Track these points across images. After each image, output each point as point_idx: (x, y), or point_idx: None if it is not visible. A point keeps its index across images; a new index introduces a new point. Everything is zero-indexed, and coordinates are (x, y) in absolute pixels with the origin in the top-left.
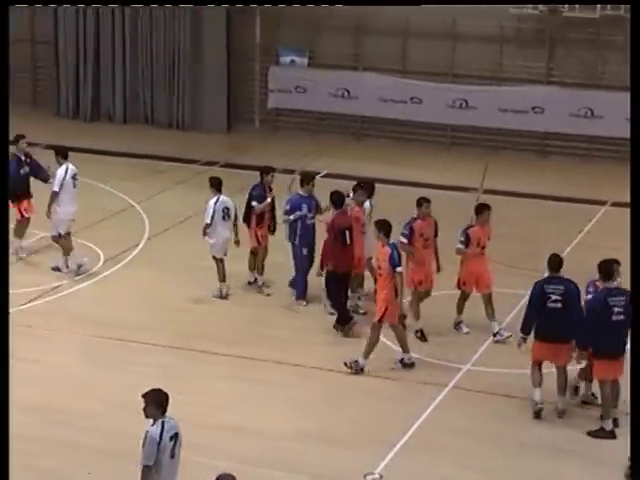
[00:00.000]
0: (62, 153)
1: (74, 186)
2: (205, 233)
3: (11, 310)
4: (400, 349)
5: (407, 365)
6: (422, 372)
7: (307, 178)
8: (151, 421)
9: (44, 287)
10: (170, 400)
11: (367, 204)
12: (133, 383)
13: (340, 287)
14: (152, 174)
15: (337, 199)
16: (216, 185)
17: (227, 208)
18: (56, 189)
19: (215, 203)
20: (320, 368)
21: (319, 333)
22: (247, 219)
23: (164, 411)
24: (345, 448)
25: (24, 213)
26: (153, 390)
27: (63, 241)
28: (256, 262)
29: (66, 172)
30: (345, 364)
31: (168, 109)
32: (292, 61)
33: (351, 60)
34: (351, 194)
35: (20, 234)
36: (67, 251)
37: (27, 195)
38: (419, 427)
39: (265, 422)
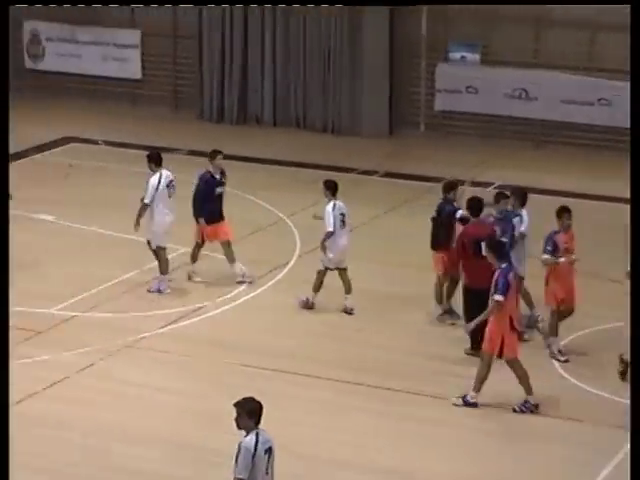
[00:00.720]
0: (155, 159)
1: (169, 195)
2: (323, 245)
3: (149, 333)
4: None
5: (528, 409)
6: (607, 412)
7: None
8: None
9: (185, 309)
10: (320, 436)
11: (522, 216)
12: (278, 417)
13: (474, 304)
14: (305, 183)
15: (474, 206)
16: (332, 189)
17: (343, 214)
18: (147, 201)
19: (333, 209)
20: (489, 405)
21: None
22: (443, 243)
23: (258, 422)
24: None
25: (207, 238)
26: (245, 399)
27: (164, 254)
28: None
29: (159, 181)
30: (514, 409)
31: (322, 112)
32: (463, 58)
33: (530, 56)
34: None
35: (195, 257)
36: (166, 269)
37: (220, 218)
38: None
39: (421, 464)
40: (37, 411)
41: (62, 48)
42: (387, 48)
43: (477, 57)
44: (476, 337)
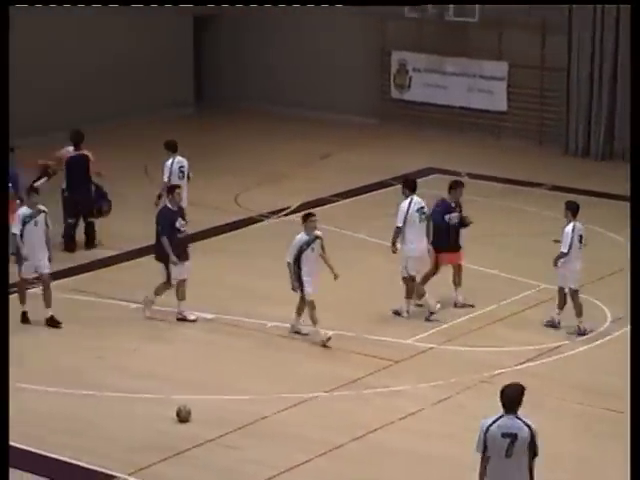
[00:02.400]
0: (409, 186)
1: (420, 220)
2: (556, 264)
3: (504, 370)
4: None
5: None
6: None
7: None
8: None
9: (540, 347)
10: None
11: None
12: None
13: None
14: None
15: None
16: (573, 210)
17: (581, 236)
18: (399, 224)
19: (572, 230)
20: None
21: None
22: None
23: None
24: None
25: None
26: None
27: (411, 283)
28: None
29: (409, 205)
30: None
31: None
32: None
33: None
34: None
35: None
36: (411, 294)
37: (456, 248)
38: None
39: None
40: (392, 442)
41: (428, 79)
42: None
43: None
44: None
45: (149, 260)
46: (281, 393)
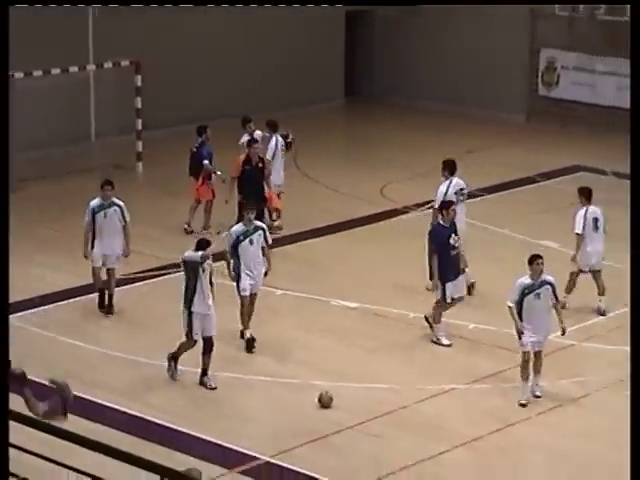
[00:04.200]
0: (449, 168)
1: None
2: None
3: None
4: None
5: None
6: None
7: None
8: None
9: None
10: None
11: None
12: None
13: None
14: None
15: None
16: (585, 195)
17: (596, 219)
18: (436, 205)
19: (585, 213)
20: None
21: None
22: None
23: None
24: None
25: None
26: None
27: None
28: None
29: (447, 188)
30: None
31: None
32: None
33: None
34: None
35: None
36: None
37: None
38: None
39: None
40: (530, 436)
41: (577, 77)
42: None
43: None
44: None
45: None
46: (421, 384)
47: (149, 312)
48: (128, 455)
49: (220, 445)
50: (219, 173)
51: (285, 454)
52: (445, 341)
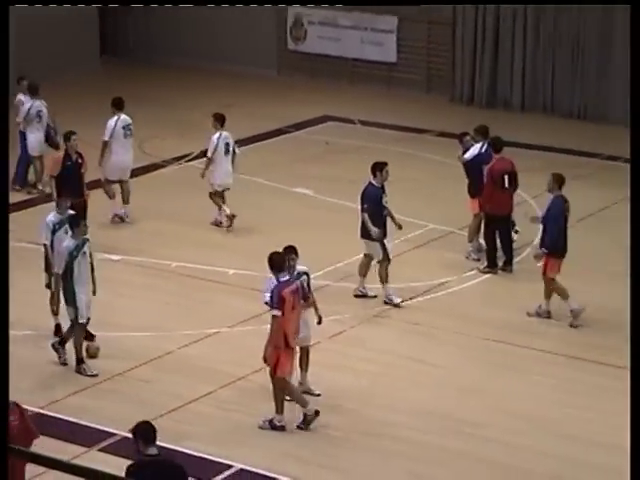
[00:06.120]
0: (219, 119)
1: (124, 136)
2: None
3: (405, 303)
4: None
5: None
6: None
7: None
8: None
9: (431, 282)
10: (563, 416)
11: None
12: (528, 394)
13: (495, 230)
14: (548, 168)
15: (497, 142)
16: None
17: (227, 143)
18: (106, 139)
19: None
20: None
21: None
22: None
23: None
24: None
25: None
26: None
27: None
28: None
29: (116, 123)
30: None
31: (570, 97)
32: None
33: None
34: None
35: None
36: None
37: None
38: None
39: None
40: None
41: (323, 31)
42: None
43: None
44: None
45: None
46: (186, 329)
47: None
48: None
49: None
50: None
51: (57, 403)
52: (396, 300)
